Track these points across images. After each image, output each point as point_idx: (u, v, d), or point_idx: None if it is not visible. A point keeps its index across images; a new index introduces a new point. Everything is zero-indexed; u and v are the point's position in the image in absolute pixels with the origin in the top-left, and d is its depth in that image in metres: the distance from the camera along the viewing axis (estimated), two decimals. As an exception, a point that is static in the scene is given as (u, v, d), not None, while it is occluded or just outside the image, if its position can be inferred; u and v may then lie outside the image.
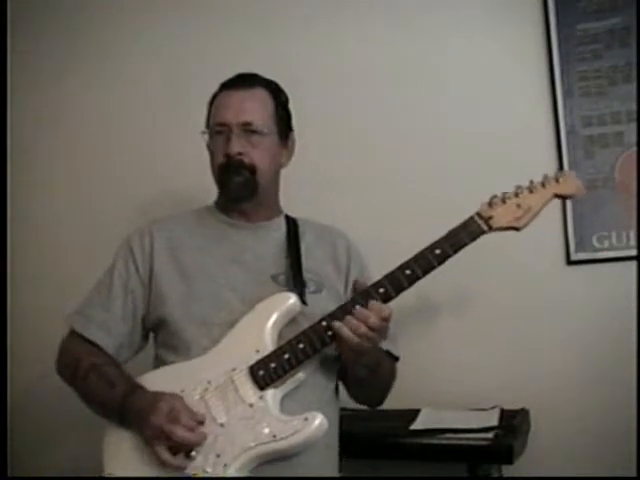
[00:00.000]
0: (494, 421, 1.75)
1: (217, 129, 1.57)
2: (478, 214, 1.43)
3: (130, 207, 2.28)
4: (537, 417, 1.87)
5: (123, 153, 2.39)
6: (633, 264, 1.85)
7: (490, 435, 1.67)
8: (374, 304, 1.39)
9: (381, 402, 1.66)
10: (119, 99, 2.40)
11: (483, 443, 1.65)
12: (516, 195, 1.43)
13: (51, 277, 2.40)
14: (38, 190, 2.49)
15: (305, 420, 1.37)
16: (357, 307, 1.39)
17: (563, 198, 1.47)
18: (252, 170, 1.56)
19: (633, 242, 1.87)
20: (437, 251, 1.41)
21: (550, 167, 1.94)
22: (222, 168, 1.57)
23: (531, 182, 1.43)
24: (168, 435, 1.35)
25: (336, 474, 1.56)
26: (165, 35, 2.35)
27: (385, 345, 1.52)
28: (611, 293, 1.88)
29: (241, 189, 1.57)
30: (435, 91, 2.08)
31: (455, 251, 1.41)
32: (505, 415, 1.80)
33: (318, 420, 1.37)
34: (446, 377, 1.99)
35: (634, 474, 1.71)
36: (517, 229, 1.44)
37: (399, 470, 1.88)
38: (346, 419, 1.73)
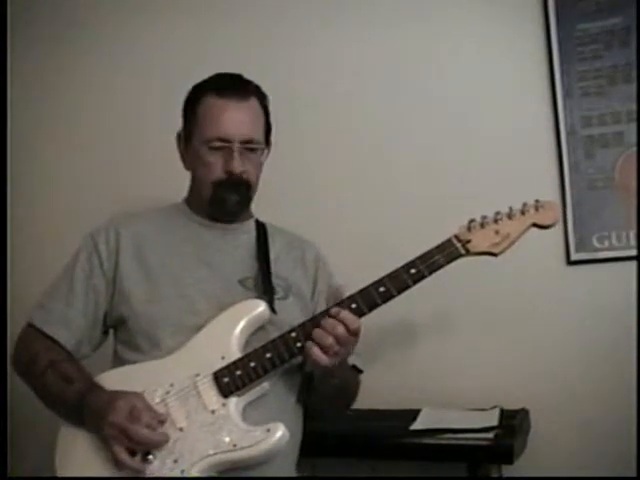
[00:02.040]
0: (494, 421, 1.75)
1: (217, 144, 1.51)
2: (456, 237, 1.41)
3: (130, 208, 2.28)
4: (537, 417, 1.87)
5: (123, 154, 2.39)
6: (633, 264, 1.85)
7: (490, 435, 1.67)
8: (345, 315, 1.35)
9: (342, 412, 1.65)
10: (119, 99, 2.40)
11: (483, 443, 1.65)
12: (495, 221, 1.41)
13: (50, 277, 2.40)
14: (38, 191, 2.50)
15: (267, 431, 1.33)
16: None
17: (541, 228, 1.43)
18: (247, 186, 1.54)
19: (633, 242, 1.87)
20: (412, 271, 1.39)
21: (550, 167, 1.95)
22: (220, 184, 1.53)
23: (510, 209, 1.42)
24: (129, 434, 1.30)
25: None
26: (164, 36, 2.35)
27: (352, 360, 1.51)
28: (611, 293, 1.88)
29: (237, 207, 1.56)
30: (435, 92, 2.08)
31: (430, 272, 1.40)
32: (505, 415, 1.80)
33: (280, 432, 1.33)
34: (446, 377, 1.98)
35: (634, 474, 1.71)
36: (495, 255, 1.41)
37: (399, 470, 1.87)
38: (346, 419, 1.73)
